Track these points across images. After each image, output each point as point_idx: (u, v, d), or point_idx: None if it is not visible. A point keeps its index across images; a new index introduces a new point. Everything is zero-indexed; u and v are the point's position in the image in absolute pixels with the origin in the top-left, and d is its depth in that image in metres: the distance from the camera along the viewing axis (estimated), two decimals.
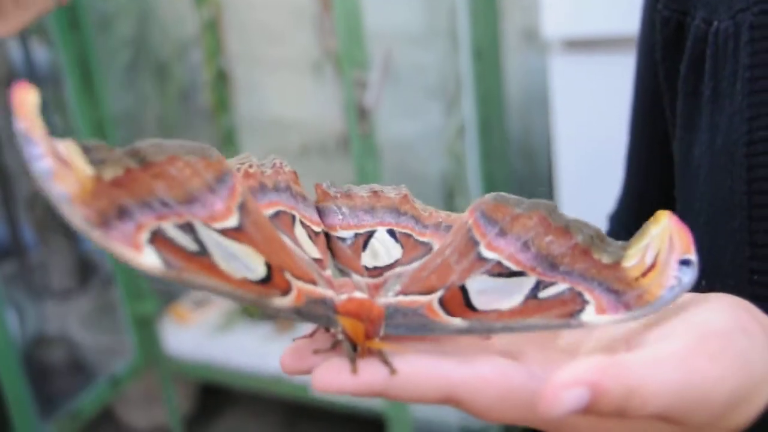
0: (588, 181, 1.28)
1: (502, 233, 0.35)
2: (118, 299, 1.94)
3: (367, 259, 0.38)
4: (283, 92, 1.97)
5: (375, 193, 0.41)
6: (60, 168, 0.27)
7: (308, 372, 0.32)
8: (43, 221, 2.20)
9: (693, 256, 0.32)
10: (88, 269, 2.24)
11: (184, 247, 0.29)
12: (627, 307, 0.32)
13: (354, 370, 0.30)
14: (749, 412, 0.31)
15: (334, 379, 0.30)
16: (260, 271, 0.31)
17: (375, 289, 0.35)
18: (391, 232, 0.40)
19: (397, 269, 0.37)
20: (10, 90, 0.27)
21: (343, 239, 0.39)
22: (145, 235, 0.28)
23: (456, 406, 0.30)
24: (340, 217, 0.40)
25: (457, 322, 0.32)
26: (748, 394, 0.31)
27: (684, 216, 0.38)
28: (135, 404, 2.10)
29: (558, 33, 1.30)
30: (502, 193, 0.37)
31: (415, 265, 0.37)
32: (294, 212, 0.38)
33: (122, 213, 0.28)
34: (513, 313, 0.33)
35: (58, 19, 1.65)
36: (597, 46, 1.29)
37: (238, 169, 0.37)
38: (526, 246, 0.34)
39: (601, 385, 0.28)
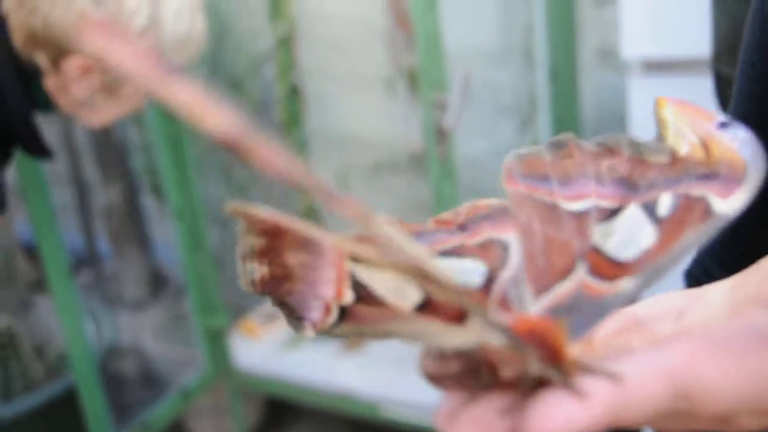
0: None
1: (566, 182, 0.31)
2: (190, 312, 1.96)
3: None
4: (355, 108, 1.98)
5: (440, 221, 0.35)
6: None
7: None
8: (117, 232, 2.25)
9: (721, 117, 0.30)
10: (160, 281, 2.28)
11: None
12: (736, 181, 0.28)
13: (579, 396, 0.23)
14: None
15: (558, 419, 0.23)
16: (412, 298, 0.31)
17: (501, 307, 0.30)
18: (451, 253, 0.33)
19: (504, 275, 0.31)
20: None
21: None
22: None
23: (683, 407, 0.25)
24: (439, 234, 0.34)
25: (624, 282, 0.27)
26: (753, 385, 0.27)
27: None
28: (204, 416, 2.12)
29: (637, 53, 1.28)
30: (517, 152, 0.33)
31: (516, 261, 0.31)
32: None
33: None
34: (664, 242, 0.28)
35: None
36: (676, 67, 1.26)
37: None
38: (599, 180, 0.31)
39: None
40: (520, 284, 0.30)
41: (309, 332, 0.30)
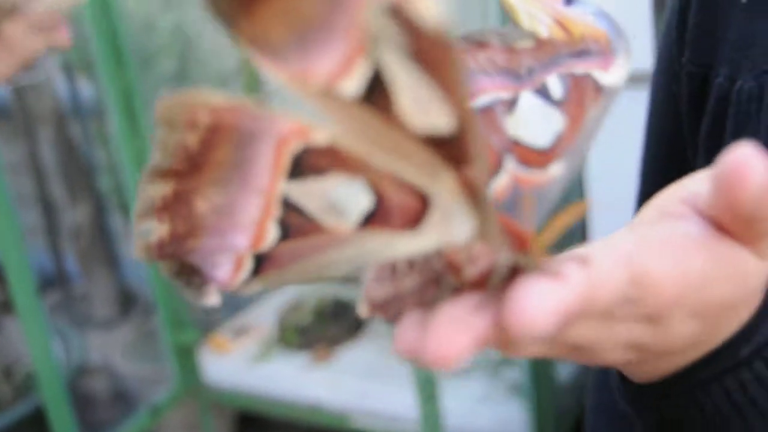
0: (618, 208, 1.28)
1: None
2: (159, 328, 1.97)
3: None
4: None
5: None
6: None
7: (483, 339, 0.22)
8: (85, 252, 2.26)
9: None
10: (129, 299, 2.29)
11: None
12: (608, 53, 0.29)
13: (559, 277, 0.22)
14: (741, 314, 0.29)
15: (545, 304, 0.21)
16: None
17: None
18: None
19: None
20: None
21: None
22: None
23: (634, 295, 0.25)
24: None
25: (554, 168, 0.27)
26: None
27: None
28: None
29: None
30: None
31: None
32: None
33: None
34: (571, 125, 0.28)
35: (103, 56, 1.71)
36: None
37: None
38: (486, 73, 0.28)
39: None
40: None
41: (212, 298, 0.26)
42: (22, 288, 1.68)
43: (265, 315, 2.11)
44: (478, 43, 0.28)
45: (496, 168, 0.27)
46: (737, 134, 0.46)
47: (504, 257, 0.22)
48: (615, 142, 1.33)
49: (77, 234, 2.26)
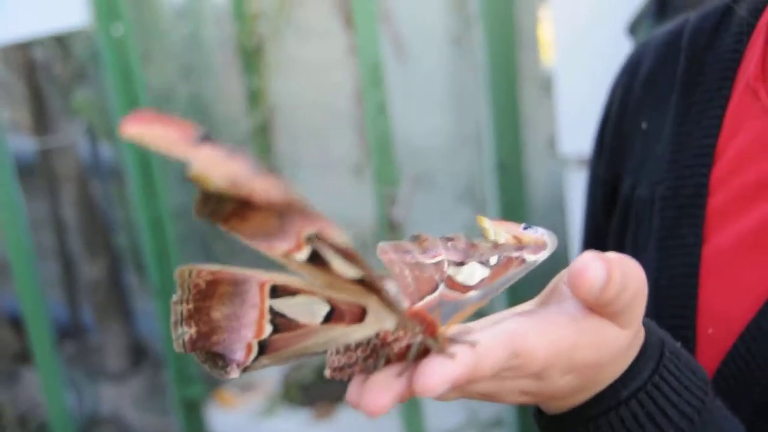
0: None
1: (423, 251, 0.44)
2: (168, 382, 2.05)
3: None
4: (325, 192, 2.10)
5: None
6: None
7: (401, 397, 0.33)
8: (101, 305, 2.35)
9: (524, 224, 0.43)
10: (140, 352, 2.37)
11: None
12: (539, 250, 0.42)
13: (451, 356, 0.33)
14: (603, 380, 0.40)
15: (438, 374, 0.32)
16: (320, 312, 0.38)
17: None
18: None
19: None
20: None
21: None
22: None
23: (515, 363, 0.35)
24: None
25: (474, 293, 0.40)
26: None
27: None
28: None
29: (573, 150, 1.41)
30: (388, 241, 0.46)
31: (404, 285, 0.43)
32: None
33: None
34: (497, 273, 0.41)
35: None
36: None
37: None
38: (447, 248, 0.44)
39: (610, 265, 0.36)
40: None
41: (234, 373, 0.38)
42: (40, 339, 1.76)
43: (270, 372, 2.18)
44: (450, 238, 0.44)
45: (433, 289, 0.42)
46: (636, 232, 0.56)
47: (418, 339, 0.35)
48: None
49: (94, 288, 2.36)
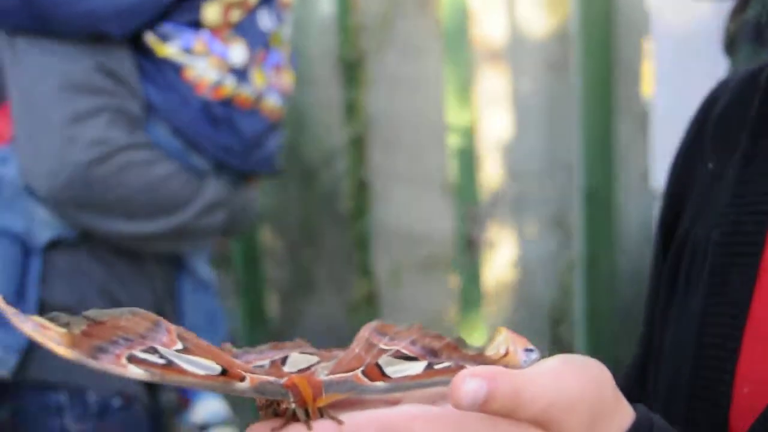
0: None
1: (393, 339, 0.46)
2: None
3: (288, 369, 0.47)
4: (415, 207, 2.11)
5: (274, 344, 0.52)
6: (41, 328, 0.39)
7: None
8: None
9: (532, 347, 0.43)
10: None
11: (155, 362, 0.40)
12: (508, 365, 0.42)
13: (310, 428, 0.38)
14: None
15: None
16: (216, 369, 0.41)
17: (311, 374, 0.44)
18: (305, 353, 0.50)
19: (321, 365, 0.47)
20: None
21: (261, 366, 0.48)
22: (124, 359, 0.39)
23: None
24: (251, 356, 0.50)
25: (380, 384, 0.42)
26: (603, 415, 0.40)
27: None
28: None
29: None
30: (383, 322, 0.48)
31: (333, 361, 0.46)
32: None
33: (101, 350, 0.39)
34: (420, 376, 0.42)
35: None
36: None
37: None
38: (413, 342, 0.45)
39: (496, 380, 0.37)
40: (325, 368, 0.45)
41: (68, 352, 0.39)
42: None
43: None
44: (439, 336, 0.46)
45: (351, 369, 0.44)
46: (688, 273, 0.54)
47: (292, 406, 0.39)
48: None
49: None
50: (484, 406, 0.37)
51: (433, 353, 0.45)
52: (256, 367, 0.48)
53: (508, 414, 0.38)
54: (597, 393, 0.40)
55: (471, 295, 1.34)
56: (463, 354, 0.44)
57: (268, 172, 1.30)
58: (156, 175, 1.10)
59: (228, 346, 0.52)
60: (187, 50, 1.10)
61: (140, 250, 1.16)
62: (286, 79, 1.22)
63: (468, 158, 1.33)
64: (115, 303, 1.13)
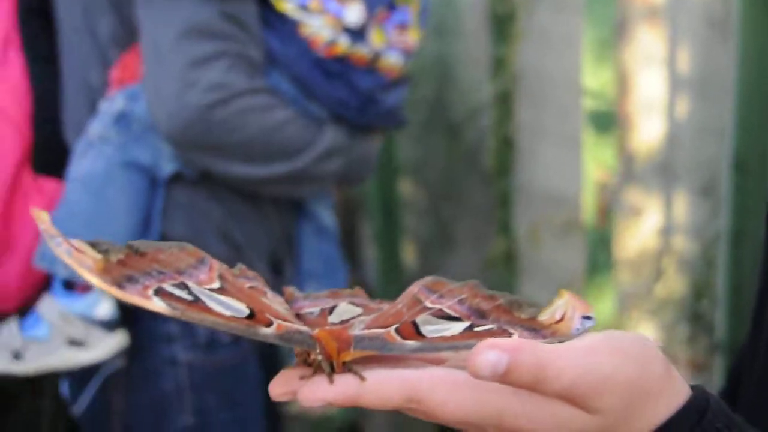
0: None
1: (441, 296, 0.45)
2: None
3: (333, 319, 0.48)
4: (559, 167, 2.05)
5: (333, 291, 0.51)
6: (76, 252, 0.39)
7: (293, 395, 0.39)
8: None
9: (592, 314, 0.41)
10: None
11: (183, 298, 0.40)
12: (544, 337, 0.40)
13: (331, 382, 0.38)
14: (647, 418, 0.38)
15: (315, 392, 0.38)
16: (245, 312, 0.41)
17: (344, 329, 0.44)
18: (353, 303, 0.49)
19: (360, 318, 0.47)
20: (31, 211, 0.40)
21: (310, 313, 0.49)
22: (150, 291, 0.39)
23: (416, 409, 0.38)
24: (306, 302, 0.50)
25: (410, 343, 0.41)
26: (645, 395, 0.37)
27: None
28: None
29: None
30: (439, 277, 0.46)
31: (374, 315, 0.46)
32: (264, 289, 0.49)
33: (130, 279, 0.40)
34: (455, 338, 0.42)
35: None
36: None
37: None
38: (461, 302, 0.44)
39: (519, 352, 0.36)
40: (363, 322, 0.45)
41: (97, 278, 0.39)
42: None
43: None
44: (492, 296, 0.44)
45: (386, 326, 0.43)
46: None
47: (319, 357, 0.40)
48: None
49: None
50: (505, 378, 0.36)
51: (480, 314, 0.43)
52: (307, 314, 0.49)
53: (531, 387, 0.37)
54: (637, 372, 0.37)
55: (601, 261, 1.29)
56: (513, 317, 0.42)
57: (389, 127, 1.29)
58: (274, 120, 1.12)
59: (291, 290, 0.52)
60: (303, 7, 1.11)
61: (258, 192, 1.18)
62: (411, 38, 1.21)
63: (606, 120, 1.27)
64: (230, 241, 1.17)
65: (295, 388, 0.39)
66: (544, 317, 0.42)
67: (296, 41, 1.12)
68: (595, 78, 1.26)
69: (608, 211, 1.26)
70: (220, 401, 1.15)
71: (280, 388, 0.40)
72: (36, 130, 1.22)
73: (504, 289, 0.45)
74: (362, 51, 1.14)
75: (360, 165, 1.25)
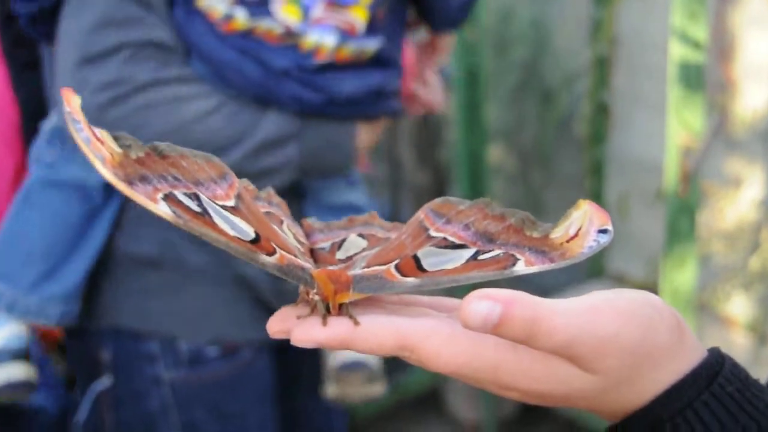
0: None
1: (448, 221, 0.43)
2: None
3: (340, 255, 0.46)
4: (656, 135, 1.98)
5: (350, 218, 0.50)
6: (95, 141, 0.38)
7: (288, 333, 0.39)
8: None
9: (610, 226, 0.38)
10: None
11: (191, 208, 0.39)
12: (552, 261, 0.38)
13: (324, 323, 0.37)
14: (652, 383, 0.36)
15: (308, 333, 0.37)
16: (250, 235, 0.40)
17: (345, 269, 0.43)
18: (361, 236, 0.48)
19: (363, 253, 0.45)
20: (62, 92, 0.39)
21: (322, 248, 0.47)
22: (160, 195, 0.38)
23: (408, 356, 0.37)
24: (321, 235, 0.49)
25: (410, 280, 0.40)
26: (650, 359, 0.36)
27: None
28: None
29: None
30: (449, 197, 0.44)
31: (378, 248, 0.44)
32: (283, 218, 0.47)
33: (143, 178, 0.38)
34: (456, 270, 0.40)
35: (457, 38, 1.85)
36: None
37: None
38: (467, 227, 0.42)
39: (512, 304, 0.34)
40: (365, 258, 0.44)
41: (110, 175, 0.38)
42: None
43: None
44: (503, 215, 0.42)
45: (386, 263, 0.42)
46: None
47: (316, 297, 0.39)
48: None
49: (418, 193, 2.48)
50: (497, 329, 0.35)
51: (488, 238, 0.41)
52: (318, 249, 0.48)
53: (524, 342, 0.35)
54: (640, 335, 0.36)
55: (681, 230, 1.24)
56: (523, 237, 0.40)
57: (369, 118, 1.09)
58: (192, 111, 0.99)
59: (310, 221, 0.51)
60: None
61: None
62: (353, 17, 1.01)
63: (695, 75, 1.21)
64: (210, 247, 1.03)
65: (291, 327, 0.38)
66: (558, 234, 0.40)
67: (199, 17, 0.99)
68: (685, 37, 1.20)
69: (692, 177, 1.21)
70: (209, 416, 1.08)
71: (277, 325, 0.39)
72: (26, 138, 1.13)
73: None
74: (267, 25, 0.99)
75: (328, 152, 1.07)
